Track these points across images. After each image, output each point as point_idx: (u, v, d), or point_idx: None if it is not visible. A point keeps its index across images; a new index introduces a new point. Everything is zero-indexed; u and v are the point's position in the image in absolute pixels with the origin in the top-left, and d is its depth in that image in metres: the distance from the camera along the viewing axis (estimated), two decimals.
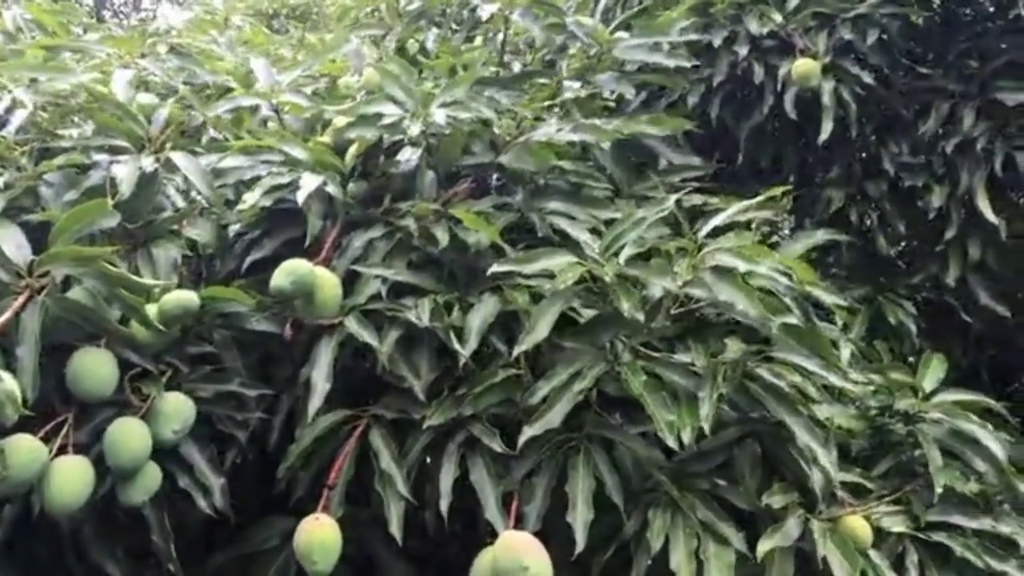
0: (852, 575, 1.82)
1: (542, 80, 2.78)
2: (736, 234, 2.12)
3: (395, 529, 1.93)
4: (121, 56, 2.67)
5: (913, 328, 2.99)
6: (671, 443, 1.82)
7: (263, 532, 2.16)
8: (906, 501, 2.11)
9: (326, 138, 2.48)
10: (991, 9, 3.30)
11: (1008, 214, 3.07)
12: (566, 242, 2.19)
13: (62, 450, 1.86)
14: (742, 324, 2.08)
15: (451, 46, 3.03)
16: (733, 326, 2.12)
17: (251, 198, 2.17)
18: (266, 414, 2.13)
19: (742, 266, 1.94)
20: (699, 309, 2.09)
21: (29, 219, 1.99)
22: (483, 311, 2.07)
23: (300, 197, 2.11)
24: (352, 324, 2.06)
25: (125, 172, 2.06)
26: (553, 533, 1.90)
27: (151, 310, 1.96)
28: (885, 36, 3.08)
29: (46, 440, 1.84)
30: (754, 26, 2.96)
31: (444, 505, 1.92)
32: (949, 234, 3.07)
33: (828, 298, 2.15)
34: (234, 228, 2.30)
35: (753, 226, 2.49)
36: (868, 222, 3.17)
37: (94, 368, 1.89)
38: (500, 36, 2.95)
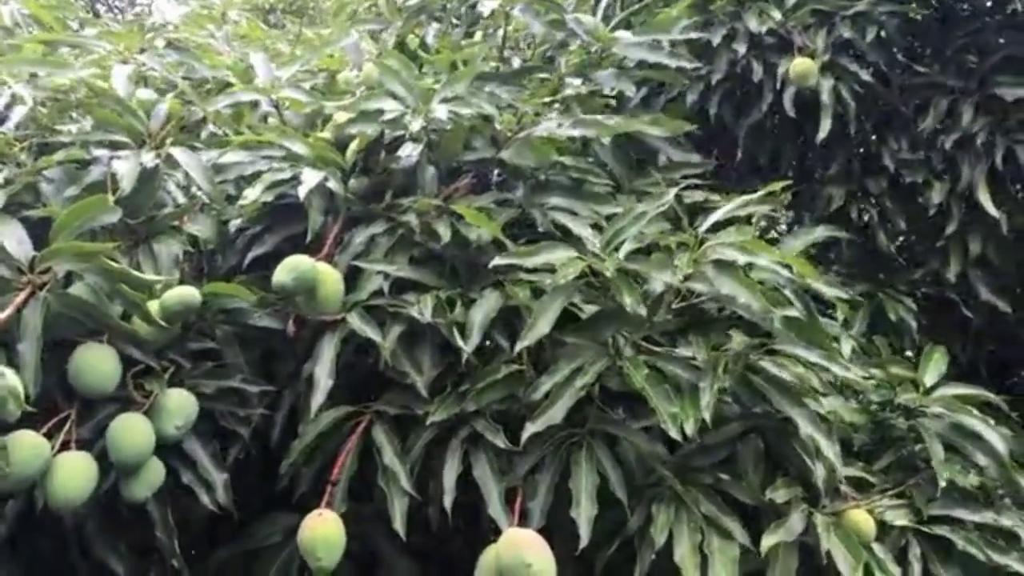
0: (856, 569, 1.82)
1: (542, 76, 2.79)
2: (737, 229, 2.12)
3: (399, 525, 1.93)
4: (119, 51, 2.66)
5: (913, 324, 3.00)
6: (674, 434, 1.82)
7: (266, 528, 2.16)
8: (908, 495, 2.11)
9: (326, 134, 2.47)
10: (988, 4, 3.31)
11: (1009, 208, 3.08)
12: (567, 237, 2.19)
13: (65, 446, 1.85)
14: (743, 319, 2.09)
15: (451, 41, 3.03)
16: (734, 321, 2.12)
17: (252, 194, 2.16)
18: (268, 410, 2.13)
19: (743, 259, 1.95)
20: (699, 304, 2.09)
21: (30, 215, 1.98)
22: (485, 307, 2.07)
23: (302, 193, 2.10)
24: (354, 320, 2.05)
25: (126, 168, 2.05)
26: (556, 529, 1.90)
27: (153, 306, 1.96)
28: (883, 33, 3.09)
29: (49, 436, 1.83)
30: (753, 24, 2.96)
31: (448, 501, 1.92)
32: (950, 229, 3.08)
33: (829, 291, 2.16)
34: (235, 224, 2.30)
35: (753, 221, 2.50)
36: (868, 218, 3.18)
37: (96, 364, 1.89)
38: (500, 32, 2.94)
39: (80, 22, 3.49)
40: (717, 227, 2.08)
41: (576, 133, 2.28)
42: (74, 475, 1.81)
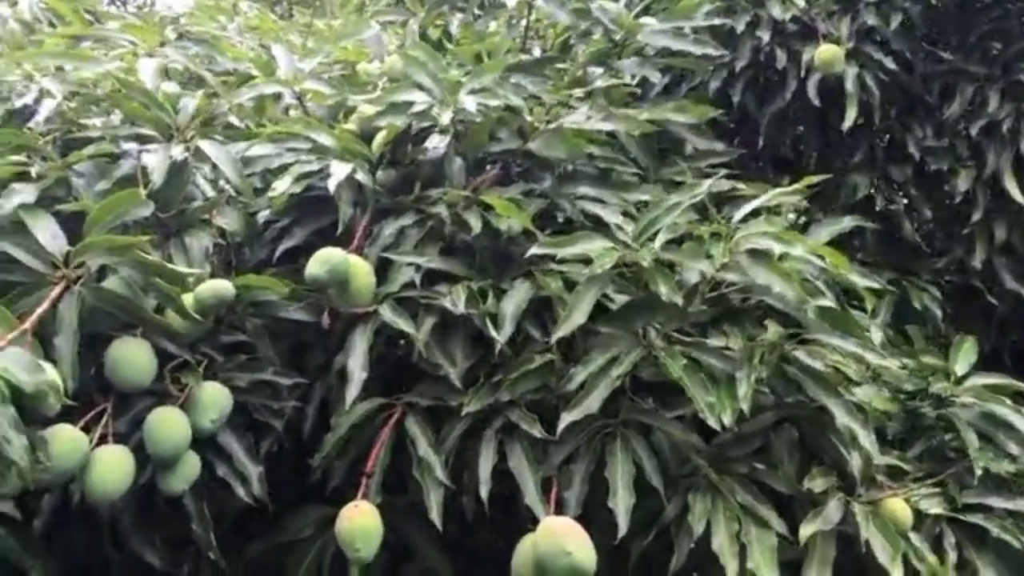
0: (895, 557, 1.82)
1: (561, 65, 2.77)
2: (766, 219, 2.12)
3: (435, 516, 1.93)
4: (141, 43, 2.65)
5: (939, 313, 2.99)
6: (713, 424, 1.82)
7: (298, 521, 2.16)
8: (945, 483, 2.11)
9: (351, 125, 2.47)
10: None
11: None
12: (598, 227, 2.19)
13: (102, 440, 1.86)
14: (772, 309, 2.08)
15: (475, 32, 3.01)
16: (764, 311, 2.12)
17: (281, 186, 2.16)
18: (299, 402, 2.12)
19: (777, 249, 1.94)
20: (730, 294, 2.09)
21: (62, 209, 1.98)
22: (516, 297, 2.07)
23: (331, 185, 2.10)
24: (387, 312, 2.05)
25: (156, 161, 2.05)
26: (591, 518, 1.90)
27: (187, 299, 1.96)
28: (907, 20, 3.06)
29: (86, 430, 1.83)
30: (777, 11, 2.94)
31: (484, 491, 1.92)
32: (975, 216, 3.06)
33: (861, 281, 2.15)
34: (263, 216, 2.30)
35: (781, 211, 2.49)
36: (893, 207, 3.16)
37: (132, 358, 1.89)
38: (523, 22, 2.93)
39: (95, 15, 3.49)
40: (746, 217, 2.07)
41: (607, 127, 2.28)
42: (112, 469, 1.82)
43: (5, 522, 1.90)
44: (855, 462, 1.96)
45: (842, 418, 1.90)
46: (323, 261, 1.99)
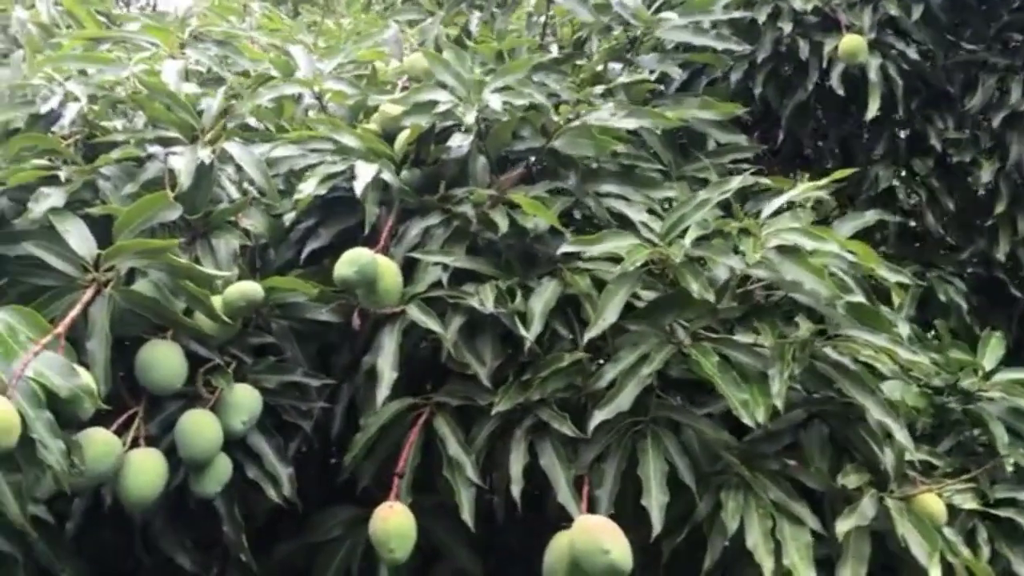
0: (931, 553, 1.81)
1: (579, 61, 2.76)
2: (792, 215, 2.11)
3: (467, 515, 1.93)
4: (164, 46, 2.64)
5: (964, 305, 2.97)
6: (747, 421, 1.81)
7: (327, 522, 2.16)
8: (974, 478, 2.10)
9: (373, 126, 2.46)
10: None
11: None
12: (623, 224, 2.18)
13: (135, 443, 1.86)
14: (799, 305, 2.07)
15: (496, 30, 3.00)
16: (791, 307, 2.10)
17: (307, 187, 2.15)
18: (328, 403, 2.12)
19: (809, 245, 1.93)
20: (757, 290, 2.07)
21: (90, 212, 1.98)
22: (544, 295, 2.06)
23: (358, 187, 2.09)
24: (415, 312, 2.05)
25: (183, 164, 2.05)
26: (623, 516, 1.90)
27: (216, 301, 1.95)
28: (929, 11, 3.04)
29: (118, 433, 1.83)
30: (798, 2, 2.93)
31: (516, 491, 1.91)
32: (999, 208, 3.04)
33: (891, 276, 2.13)
34: (288, 217, 2.29)
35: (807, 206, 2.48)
36: (915, 199, 3.15)
37: (164, 360, 1.89)
38: (542, 19, 2.91)
39: (108, 17, 3.48)
40: (773, 212, 2.06)
41: (633, 124, 2.26)
42: (146, 472, 1.82)
43: (37, 525, 1.91)
44: (888, 458, 1.95)
45: (877, 414, 1.89)
46: (351, 262, 1.99)
